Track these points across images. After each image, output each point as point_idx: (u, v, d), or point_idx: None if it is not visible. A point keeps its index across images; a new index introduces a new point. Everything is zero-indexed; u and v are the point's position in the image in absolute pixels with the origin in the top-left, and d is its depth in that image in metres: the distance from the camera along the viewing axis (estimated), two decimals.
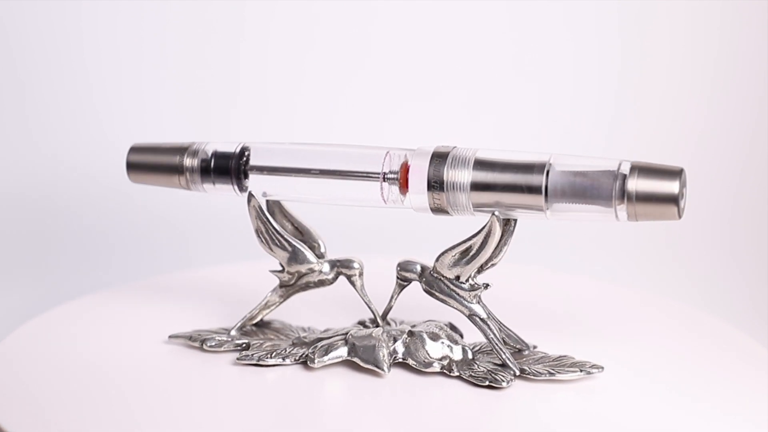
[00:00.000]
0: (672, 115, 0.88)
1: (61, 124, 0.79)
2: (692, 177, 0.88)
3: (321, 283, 0.52)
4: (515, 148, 0.47)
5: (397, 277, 0.50)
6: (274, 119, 0.84)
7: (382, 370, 0.48)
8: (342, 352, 0.49)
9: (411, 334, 0.50)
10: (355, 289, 0.52)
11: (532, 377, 0.48)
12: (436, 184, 0.47)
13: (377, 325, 0.51)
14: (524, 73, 0.86)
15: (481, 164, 0.47)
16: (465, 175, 0.47)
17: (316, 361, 0.49)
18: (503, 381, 0.47)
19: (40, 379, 0.48)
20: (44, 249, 0.79)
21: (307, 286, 0.52)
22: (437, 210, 0.48)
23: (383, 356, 0.48)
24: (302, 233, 0.53)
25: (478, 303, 0.49)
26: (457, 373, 0.48)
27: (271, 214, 0.53)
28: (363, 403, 0.47)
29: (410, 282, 0.50)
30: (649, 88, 0.87)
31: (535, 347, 0.51)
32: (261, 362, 0.49)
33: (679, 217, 0.44)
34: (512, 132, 0.87)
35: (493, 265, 0.49)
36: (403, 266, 0.50)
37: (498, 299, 0.50)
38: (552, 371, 0.48)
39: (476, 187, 0.47)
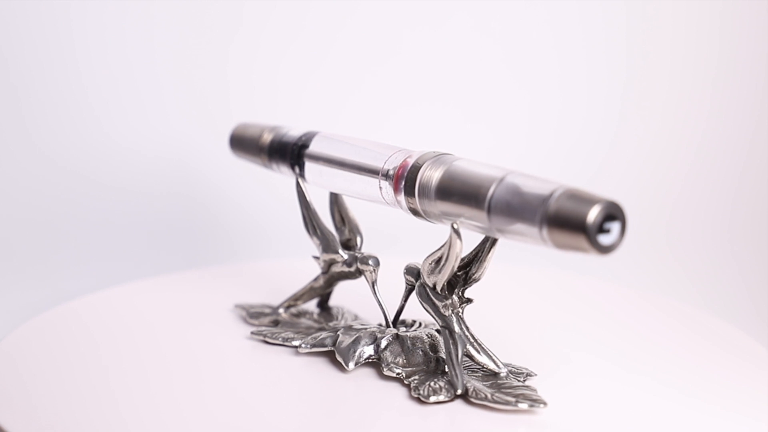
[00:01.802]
0: (673, 115, 0.88)
1: (60, 120, 0.79)
2: (693, 177, 0.89)
3: (350, 275, 0.53)
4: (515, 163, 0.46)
5: (405, 280, 0.50)
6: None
7: (346, 365, 0.49)
8: (328, 342, 0.50)
9: (396, 337, 0.50)
10: (368, 284, 0.52)
11: (472, 399, 0.46)
12: (409, 188, 0.47)
13: (388, 326, 0.51)
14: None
15: (449, 173, 0.45)
16: (433, 182, 0.45)
17: (301, 347, 0.51)
18: (431, 396, 0.46)
19: (41, 378, 0.49)
20: (46, 247, 0.79)
21: (339, 276, 0.54)
22: (415, 213, 0.47)
23: (353, 353, 0.49)
24: (345, 225, 0.55)
25: (455, 316, 0.47)
26: (408, 382, 0.47)
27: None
28: (301, 388, 0.48)
29: (414, 285, 0.49)
30: (651, 89, 0.87)
31: (528, 375, 0.48)
32: (267, 340, 0.52)
33: (599, 252, 0.39)
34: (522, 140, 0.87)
35: (475, 280, 0.47)
36: (408, 269, 0.50)
37: (496, 298, 0.50)
38: (493, 398, 0.45)
39: (439, 195, 0.45)
